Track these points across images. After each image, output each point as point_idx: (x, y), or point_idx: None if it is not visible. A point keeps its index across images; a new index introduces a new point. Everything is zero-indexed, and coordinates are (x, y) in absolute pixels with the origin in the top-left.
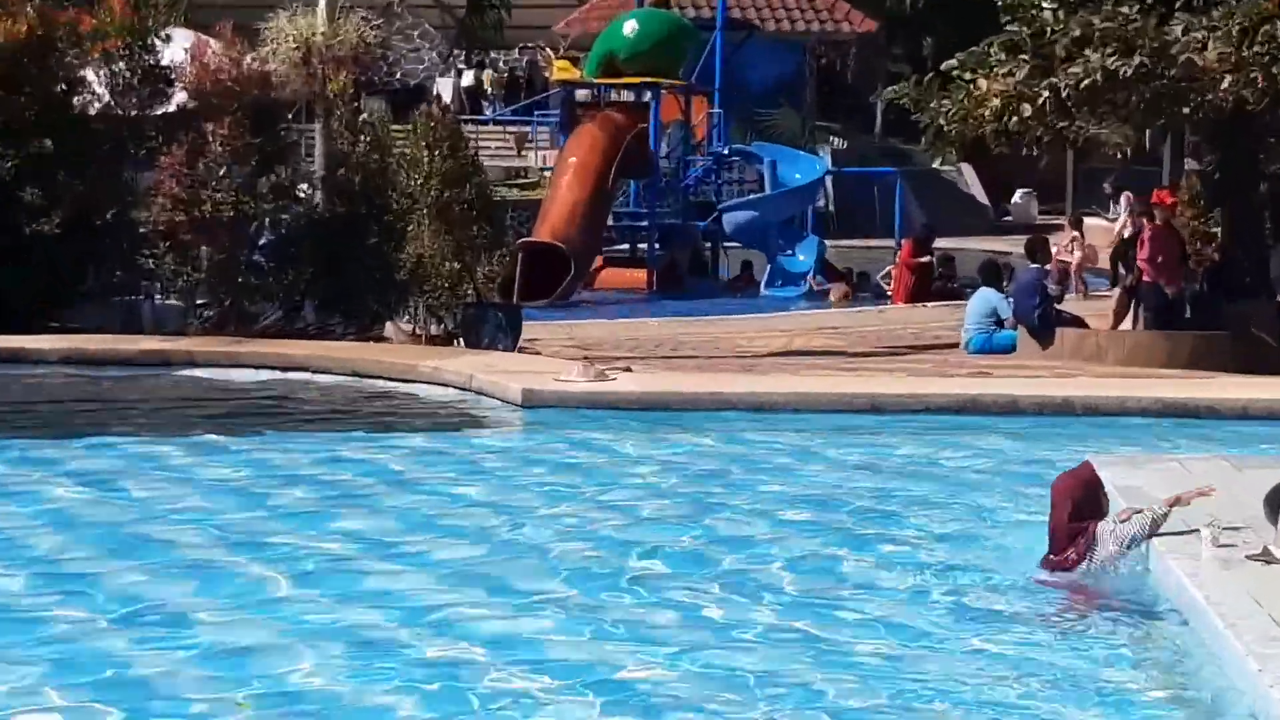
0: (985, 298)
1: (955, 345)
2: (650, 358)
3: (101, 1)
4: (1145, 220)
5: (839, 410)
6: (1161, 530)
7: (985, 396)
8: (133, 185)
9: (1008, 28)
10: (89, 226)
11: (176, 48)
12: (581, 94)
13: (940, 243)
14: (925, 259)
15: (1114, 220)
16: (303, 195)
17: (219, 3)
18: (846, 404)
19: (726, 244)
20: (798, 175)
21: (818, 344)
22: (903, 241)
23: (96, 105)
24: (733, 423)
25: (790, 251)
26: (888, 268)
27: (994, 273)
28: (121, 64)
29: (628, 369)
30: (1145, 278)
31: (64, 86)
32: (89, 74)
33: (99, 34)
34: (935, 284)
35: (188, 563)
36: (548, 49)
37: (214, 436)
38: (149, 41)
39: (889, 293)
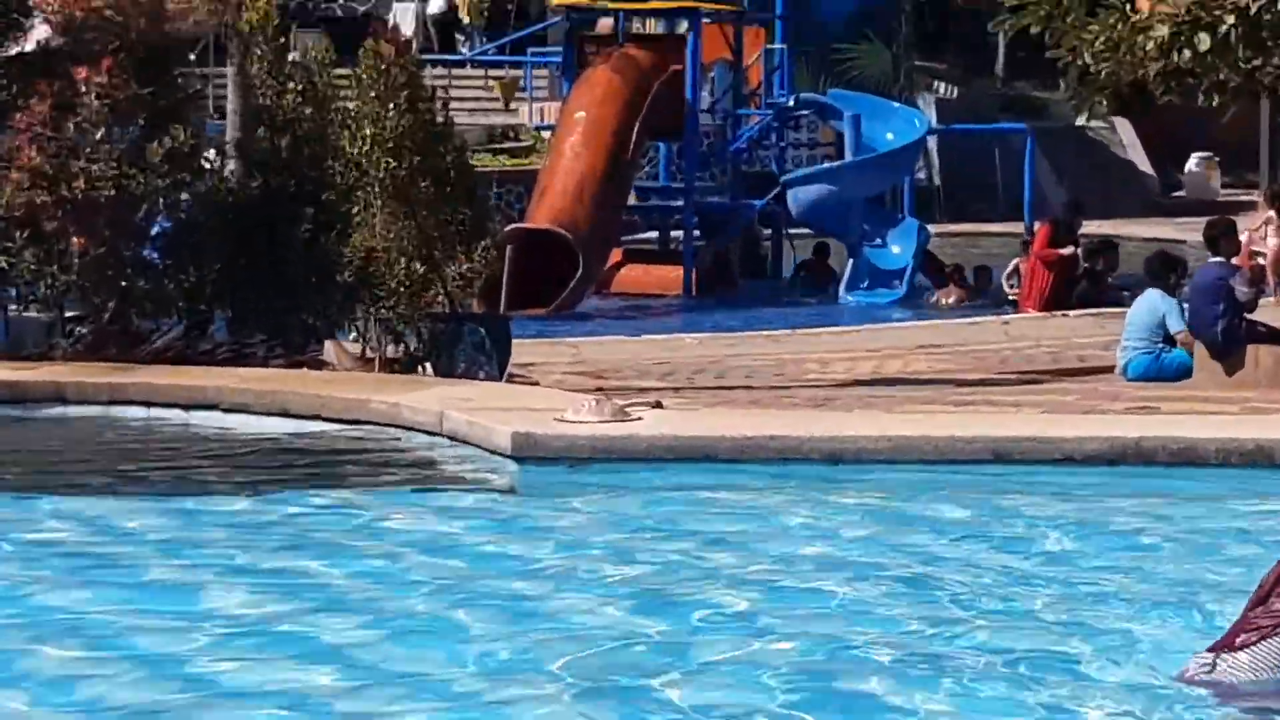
0: (1152, 304)
1: (1109, 369)
2: (688, 389)
3: None
4: None
5: (948, 461)
6: None
7: (1150, 441)
8: None
9: None
10: None
11: None
12: (599, 23)
13: (1088, 227)
14: (1068, 250)
15: None
16: (210, 166)
17: None
18: (959, 451)
19: (793, 230)
20: (890, 135)
21: (918, 368)
22: (1036, 226)
23: None
24: (802, 478)
25: (880, 241)
26: (1015, 262)
27: (1164, 269)
28: None
29: (657, 404)
30: None
31: None
32: None
33: None
34: (1081, 285)
35: (22, 672)
36: None
37: (86, 501)
38: None
39: (1015, 297)
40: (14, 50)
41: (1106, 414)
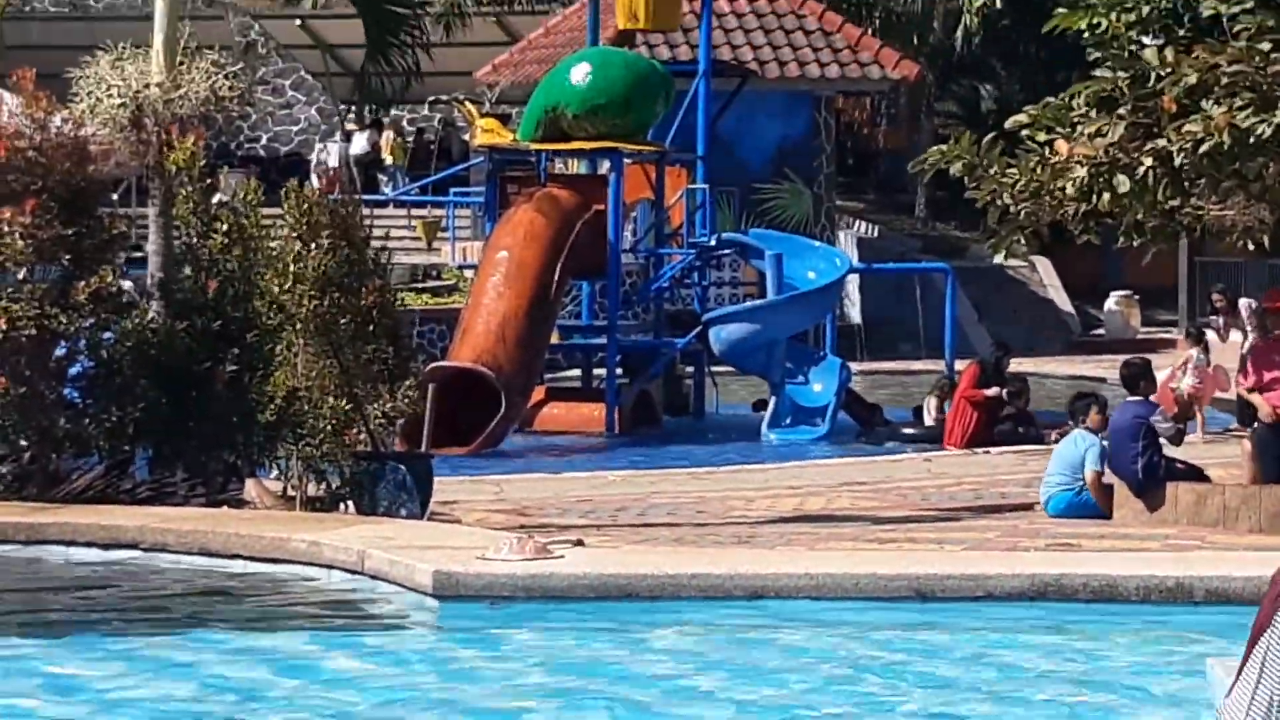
0: (1077, 442)
1: (1031, 506)
2: (611, 526)
3: None
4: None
5: (871, 598)
6: None
7: (1072, 578)
8: None
9: (1096, 72)
10: None
11: None
12: (517, 164)
13: (1010, 366)
14: (993, 391)
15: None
16: (132, 305)
17: (15, 43)
18: (881, 589)
19: (715, 369)
20: (811, 274)
21: (841, 506)
22: (961, 366)
23: None
24: (724, 616)
25: (802, 379)
26: (928, 397)
27: (1087, 408)
28: None
29: (579, 542)
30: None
31: None
32: None
33: None
34: (1004, 425)
35: None
36: (468, 103)
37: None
38: None
39: (914, 431)
40: None
41: (1028, 551)
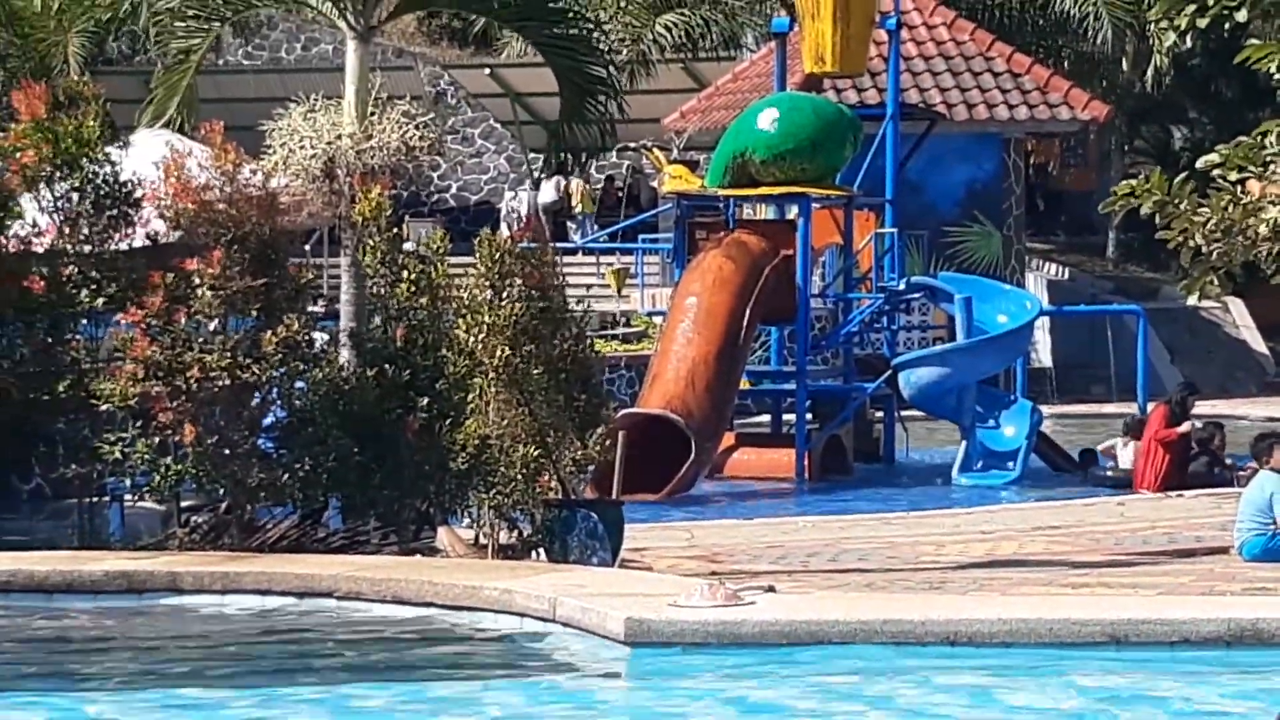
0: (1262, 485)
1: (1226, 550)
2: (802, 572)
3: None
4: None
5: (1064, 644)
6: None
7: (1269, 623)
8: (91, 347)
9: None
10: (33, 404)
11: (141, 157)
12: (705, 210)
13: (1202, 408)
14: (1185, 427)
15: None
16: (324, 355)
17: (209, 96)
18: (1075, 635)
19: (905, 413)
20: (1001, 317)
21: (1033, 551)
22: (1150, 407)
23: (39, 240)
24: (916, 662)
25: (993, 423)
26: (1110, 442)
27: (1269, 448)
28: (66, 183)
29: (771, 589)
30: None
31: None
32: (26, 199)
33: (10, 150)
34: (1195, 465)
35: None
36: (656, 150)
37: (200, 691)
38: (98, 151)
39: (1114, 474)
40: (124, 244)
41: (1224, 595)
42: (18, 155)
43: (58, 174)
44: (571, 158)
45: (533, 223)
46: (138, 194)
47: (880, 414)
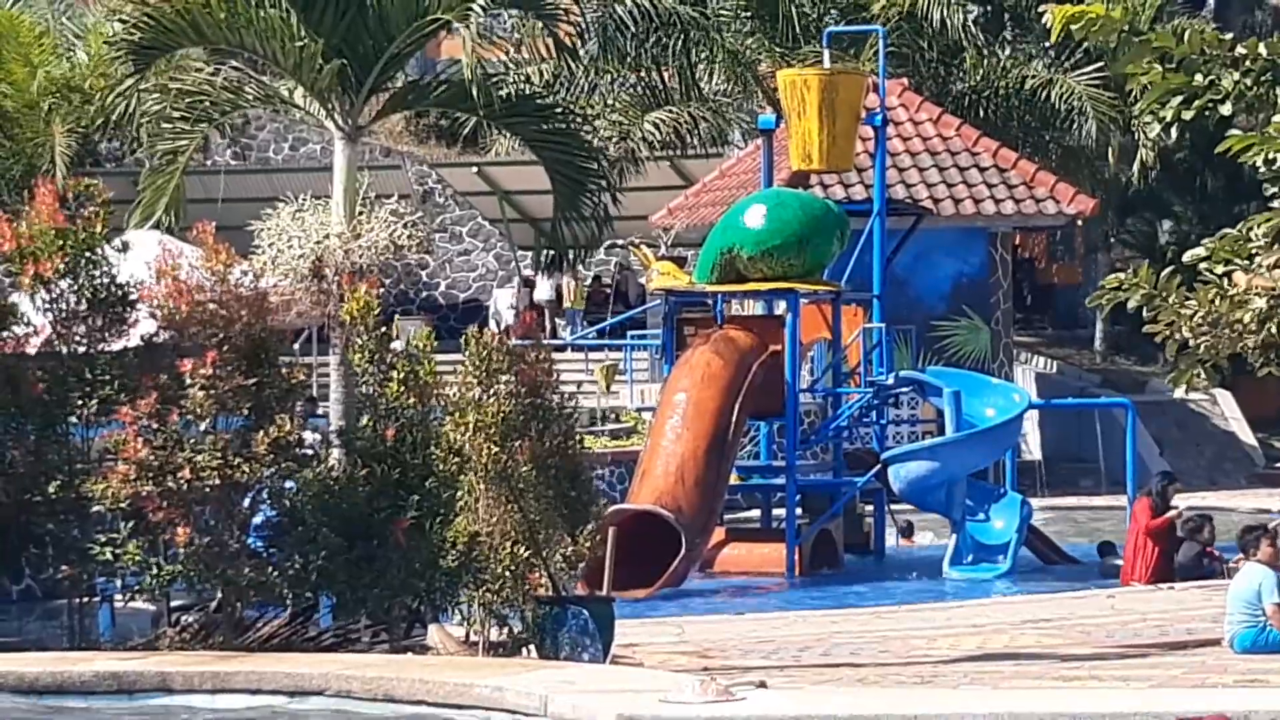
0: (1250, 577)
1: (1218, 642)
2: (793, 667)
3: (30, 205)
4: None
5: None
6: None
7: (1261, 715)
8: (83, 448)
9: (1274, 204)
10: (23, 505)
11: (138, 258)
12: (693, 306)
13: (1191, 499)
14: (1173, 513)
15: None
16: (314, 454)
17: (196, 196)
18: None
19: (895, 507)
20: (990, 411)
21: (1025, 644)
22: (1136, 500)
23: (34, 341)
24: None
25: (983, 516)
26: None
27: (1256, 540)
28: (63, 284)
29: (761, 684)
30: None
31: None
32: (19, 299)
33: (29, 251)
34: (1183, 556)
35: None
36: (643, 247)
37: None
38: (98, 252)
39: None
40: (119, 345)
41: (1215, 688)
42: (36, 260)
43: (56, 274)
44: (566, 254)
45: (530, 319)
46: (133, 295)
47: (870, 508)
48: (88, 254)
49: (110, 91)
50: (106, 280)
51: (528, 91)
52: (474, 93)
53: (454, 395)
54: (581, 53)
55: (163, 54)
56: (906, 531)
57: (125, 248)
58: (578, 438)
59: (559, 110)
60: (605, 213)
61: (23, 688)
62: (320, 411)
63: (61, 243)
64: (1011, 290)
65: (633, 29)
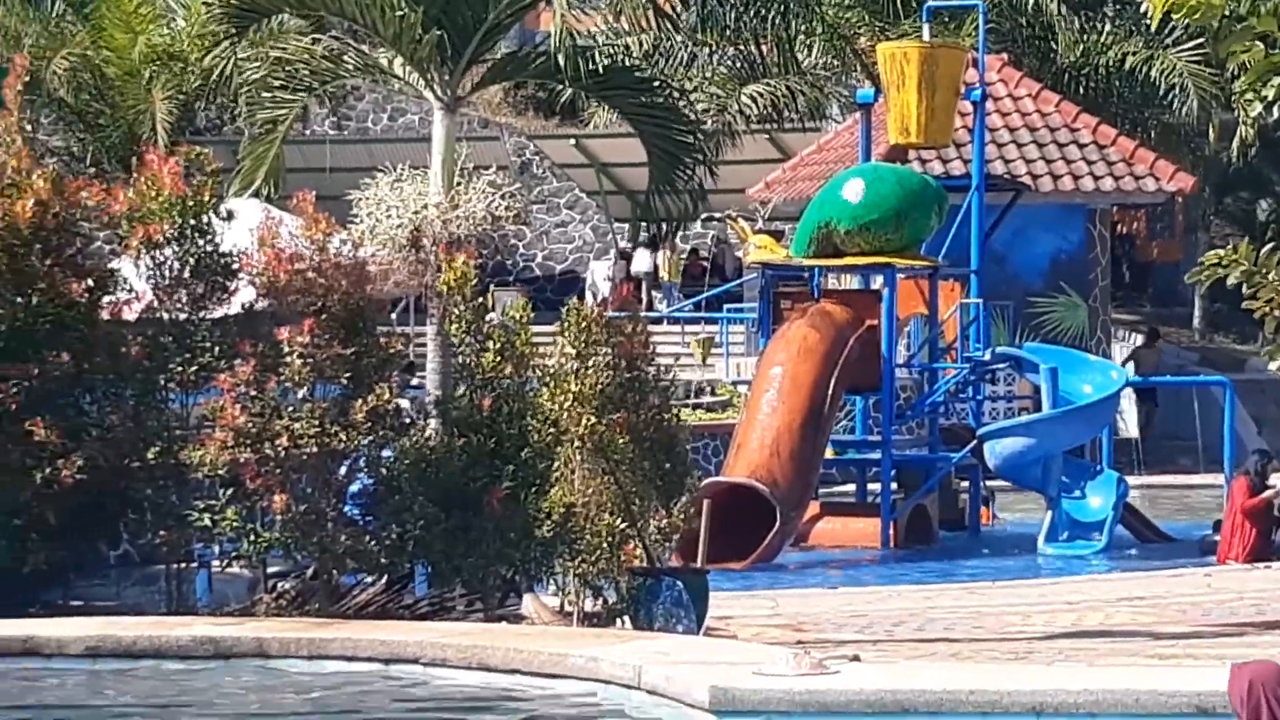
0: None
1: None
2: (887, 641)
3: (141, 171)
4: None
5: (1150, 715)
6: None
7: None
8: (182, 414)
9: None
10: (122, 470)
11: (241, 227)
12: (790, 280)
13: None
14: (1270, 493)
15: None
16: (411, 423)
17: (295, 166)
18: (1162, 705)
19: (991, 483)
20: (1087, 388)
21: (1120, 622)
22: (1233, 479)
23: (134, 307)
24: None
25: (1079, 494)
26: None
27: None
28: (168, 250)
29: (855, 658)
30: None
31: (90, 283)
32: (122, 265)
33: (139, 215)
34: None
35: None
36: (740, 220)
37: None
38: (205, 220)
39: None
40: (219, 312)
41: None
42: (147, 224)
43: (166, 241)
44: (661, 226)
45: (626, 291)
46: (234, 263)
47: (966, 484)
48: (195, 221)
49: (207, 52)
50: (210, 248)
51: (625, 63)
52: (562, 61)
53: (551, 366)
54: (680, 23)
55: (261, 18)
56: (985, 501)
57: (230, 216)
58: (673, 410)
59: (656, 82)
60: (700, 186)
61: (120, 651)
62: (415, 381)
63: (173, 208)
64: (1110, 267)
65: (718, 1)
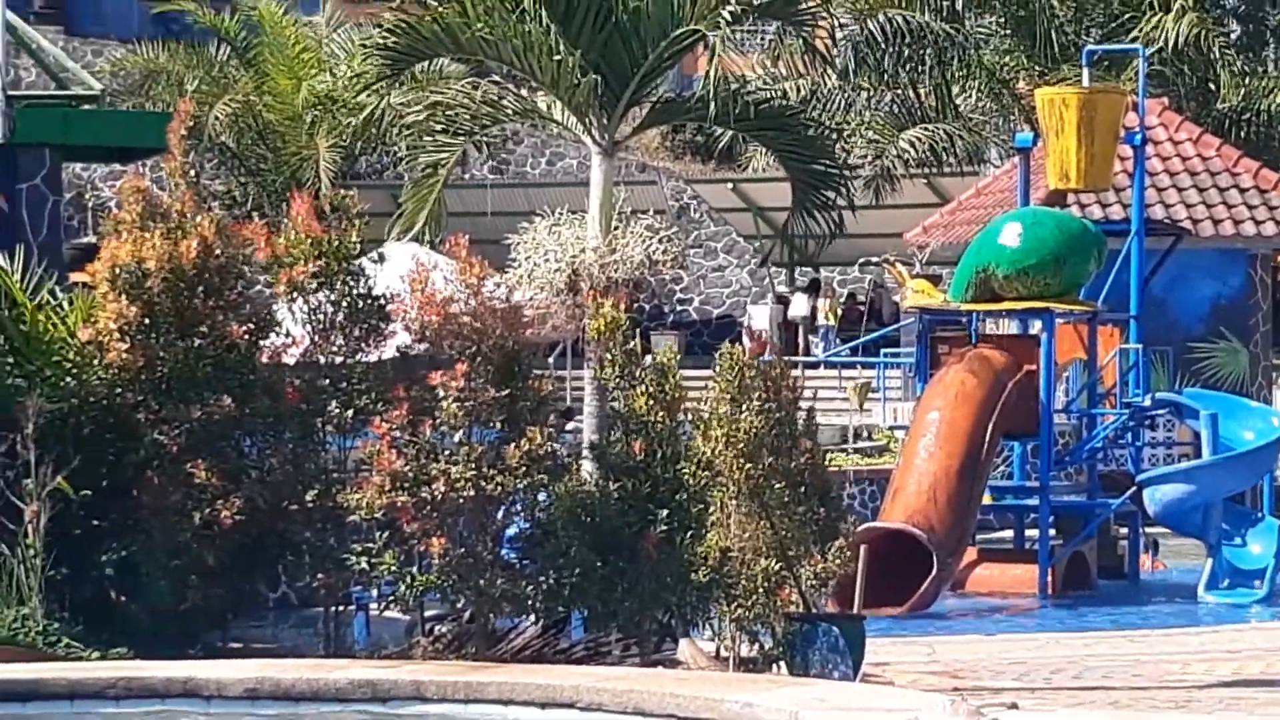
0: None
1: None
2: (1045, 689)
3: (287, 216)
4: None
5: None
6: None
7: None
8: (339, 457)
9: None
10: (281, 513)
11: (390, 270)
12: (948, 325)
13: None
14: None
15: None
16: (566, 467)
17: (455, 210)
18: None
19: (1150, 530)
20: (1248, 434)
21: None
22: None
23: (292, 351)
24: None
25: (1240, 541)
26: None
27: None
28: (322, 295)
29: (1013, 705)
30: None
31: (250, 326)
32: (281, 309)
33: (283, 260)
34: None
35: None
36: (898, 265)
37: None
38: (354, 264)
39: None
40: (374, 356)
41: None
42: (291, 267)
43: (315, 285)
44: (820, 271)
45: (764, 339)
46: (388, 307)
47: (1125, 530)
48: (343, 264)
49: (359, 93)
50: (364, 291)
51: (782, 106)
52: (710, 99)
53: (705, 410)
54: (835, 65)
55: (417, 61)
56: (1150, 549)
57: (381, 259)
58: (823, 454)
59: (811, 122)
60: (840, 221)
61: (279, 694)
62: (570, 426)
63: (315, 251)
64: (1271, 312)
65: (876, 45)
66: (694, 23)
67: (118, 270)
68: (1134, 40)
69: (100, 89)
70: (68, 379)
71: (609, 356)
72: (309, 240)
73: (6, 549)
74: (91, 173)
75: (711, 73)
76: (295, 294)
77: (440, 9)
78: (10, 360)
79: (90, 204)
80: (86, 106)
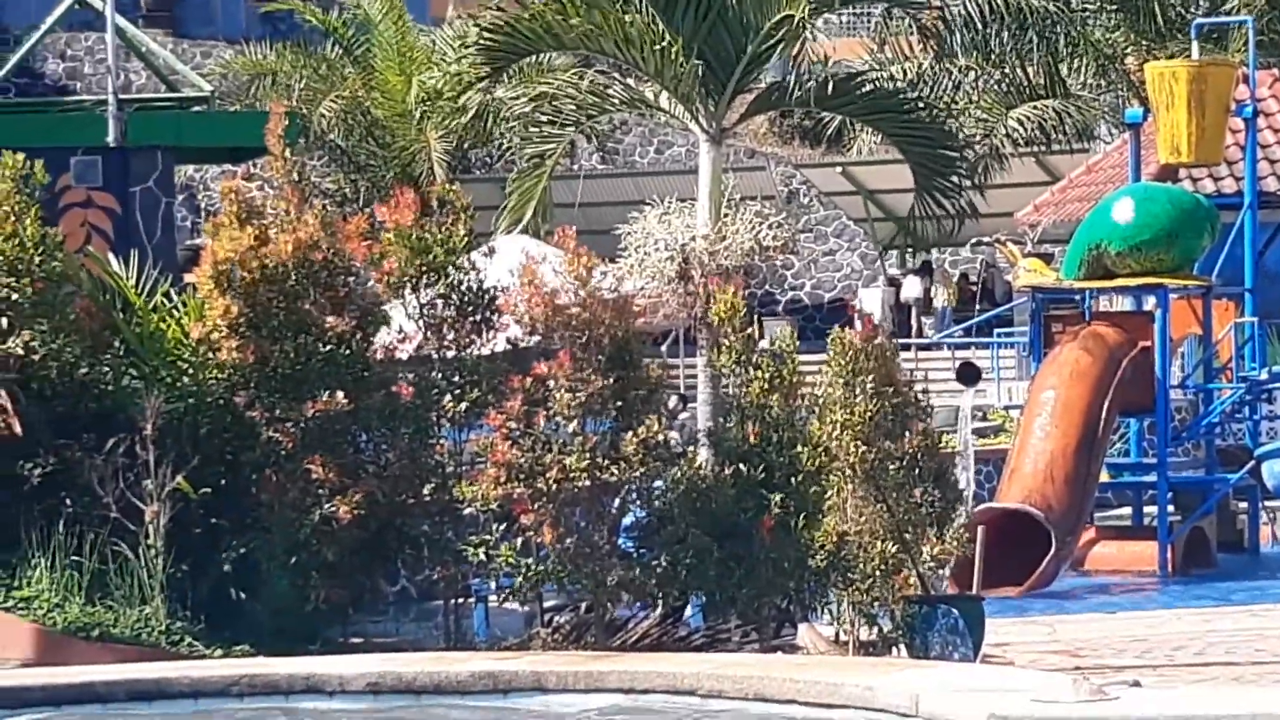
0: None
1: None
2: (1167, 666)
3: (390, 206)
4: None
5: None
6: None
7: None
8: (455, 450)
9: None
10: (398, 507)
11: (500, 263)
12: (1061, 303)
13: None
14: None
15: None
16: (681, 454)
17: (562, 201)
18: None
19: (1269, 504)
20: None
21: None
22: None
23: (406, 346)
24: None
25: None
26: None
27: None
28: (430, 291)
29: (1136, 683)
30: None
31: (360, 322)
32: (393, 305)
33: (378, 257)
34: None
35: None
36: (1009, 244)
37: None
38: (461, 258)
39: None
40: (486, 349)
41: None
42: (383, 263)
43: (424, 280)
44: (933, 252)
45: (870, 323)
46: (499, 300)
47: (1244, 505)
48: (448, 258)
49: (463, 91)
50: (475, 285)
51: (891, 89)
52: (802, 83)
53: (820, 395)
54: (944, 45)
55: (518, 59)
56: (1271, 522)
57: (491, 253)
58: (938, 435)
59: (920, 102)
60: (970, 205)
61: (400, 687)
62: (684, 413)
63: (406, 244)
64: None
65: (982, 24)
66: (787, 8)
67: (219, 269)
68: (1241, 10)
69: (210, 91)
70: (184, 379)
71: (726, 343)
72: (408, 235)
73: (128, 549)
74: (204, 173)
75: (804, 55)
76: (396, 289)
77: (540, 6)
78: (127, 362)
79: (202, 205)
80: (197, 109)
